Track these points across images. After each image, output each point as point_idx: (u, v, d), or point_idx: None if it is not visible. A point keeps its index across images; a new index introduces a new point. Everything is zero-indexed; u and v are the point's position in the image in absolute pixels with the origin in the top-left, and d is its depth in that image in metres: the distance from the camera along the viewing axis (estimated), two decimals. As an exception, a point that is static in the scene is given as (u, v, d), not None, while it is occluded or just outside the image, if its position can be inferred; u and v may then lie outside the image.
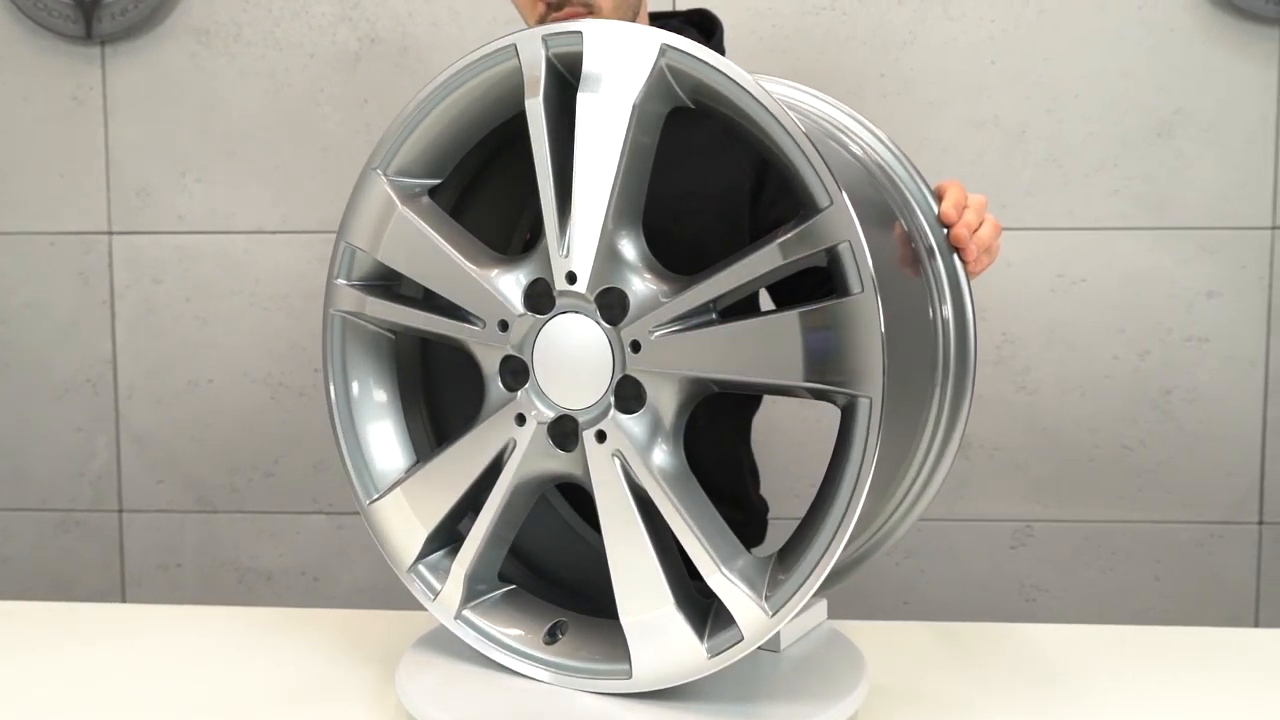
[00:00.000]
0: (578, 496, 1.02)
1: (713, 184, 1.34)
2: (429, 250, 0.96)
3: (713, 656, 0.88)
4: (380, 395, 1.06)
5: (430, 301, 1.01)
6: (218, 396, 2.04)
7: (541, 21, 1.24)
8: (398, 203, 0.98)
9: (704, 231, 1.32)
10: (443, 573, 1.01)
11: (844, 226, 0.80)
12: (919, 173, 1.04)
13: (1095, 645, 1.12)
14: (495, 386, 0.96)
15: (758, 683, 0.96)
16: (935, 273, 0.97)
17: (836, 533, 0.82)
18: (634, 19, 1.30)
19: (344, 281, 1.02)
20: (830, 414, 0.86)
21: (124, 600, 2.08)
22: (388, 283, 1.04)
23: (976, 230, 1.01)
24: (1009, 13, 1.90)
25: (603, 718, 0.91)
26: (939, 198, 1.02)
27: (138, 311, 2.03)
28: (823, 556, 0.83)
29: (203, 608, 1.27)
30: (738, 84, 0.83)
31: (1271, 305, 1.92)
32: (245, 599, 2.06)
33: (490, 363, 0.96)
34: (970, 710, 0.98)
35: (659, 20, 1.39)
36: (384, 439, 1.05)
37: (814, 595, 1.05)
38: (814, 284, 1.22)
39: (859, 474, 0.81)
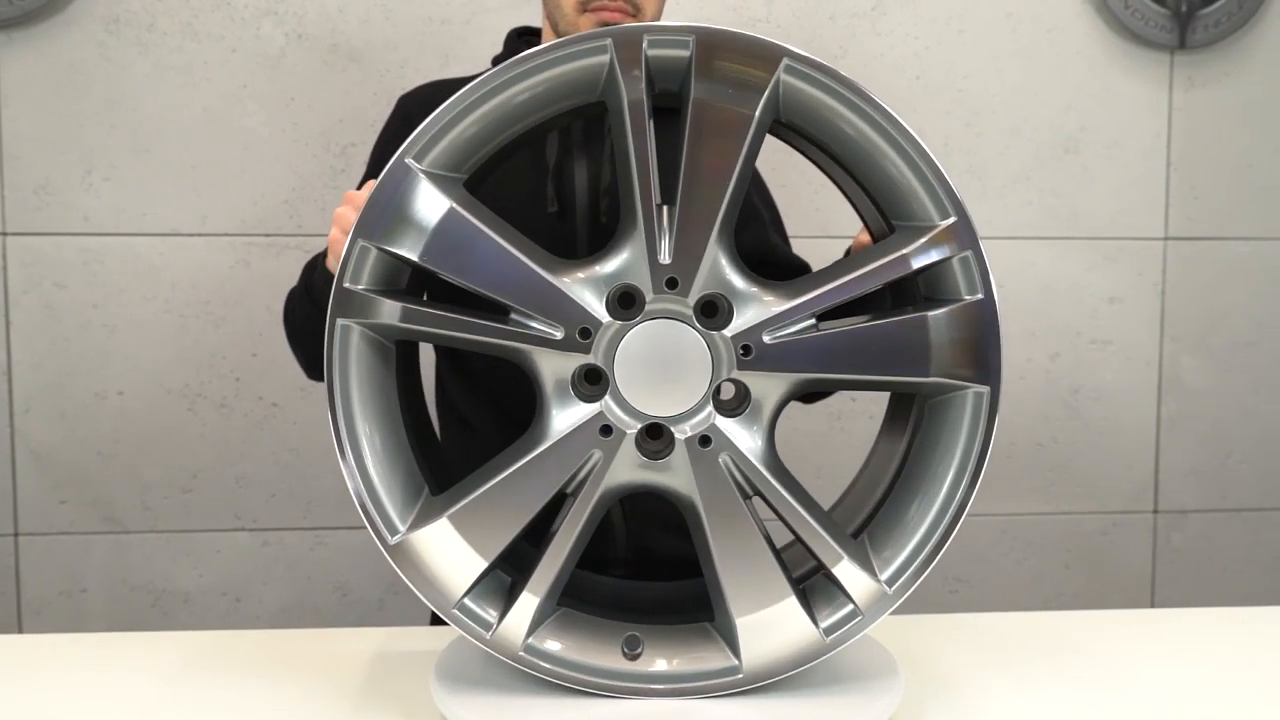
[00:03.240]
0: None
1: None
2: (491, 254, 0.88)
3: (830, 637, 0.91)
4: (391, 414, 0.94)
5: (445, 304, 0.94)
6: (128, 409, 1.91)
7: (583, 9, 1.20)
8: (450, 200, 0.89)
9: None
10: (491, 605, 0.93)
11: (968, 238, 0.90)
12: None
13: (1083, 628, 1.19)
14: (567, 398, 0.90)
15: (794, 682, 0.97)
16: None
17: (954, 508, 0.91)
18: (659, 19, 1.29)
19: (360, 288, 0.90)
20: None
21: (20, 631, 1.92)
22: (399, 288, 0.94)
23: None
24: (932, 31, 1.99)
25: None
26: None
27: (37, 319, 1.88)
28: (939, 530, 0.91)
29: (129, 634, 1.18)
30: (858, 101, 0.88)
31: (1165, 310, 2.08)
32: (160, 624, 1.94)
33: (560, 374, 0.89)
34: (992, 697, 1.03)
35: None
36: (400, 464, 0.93)
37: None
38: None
39: (978, 456, 0.91)
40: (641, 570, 1.26)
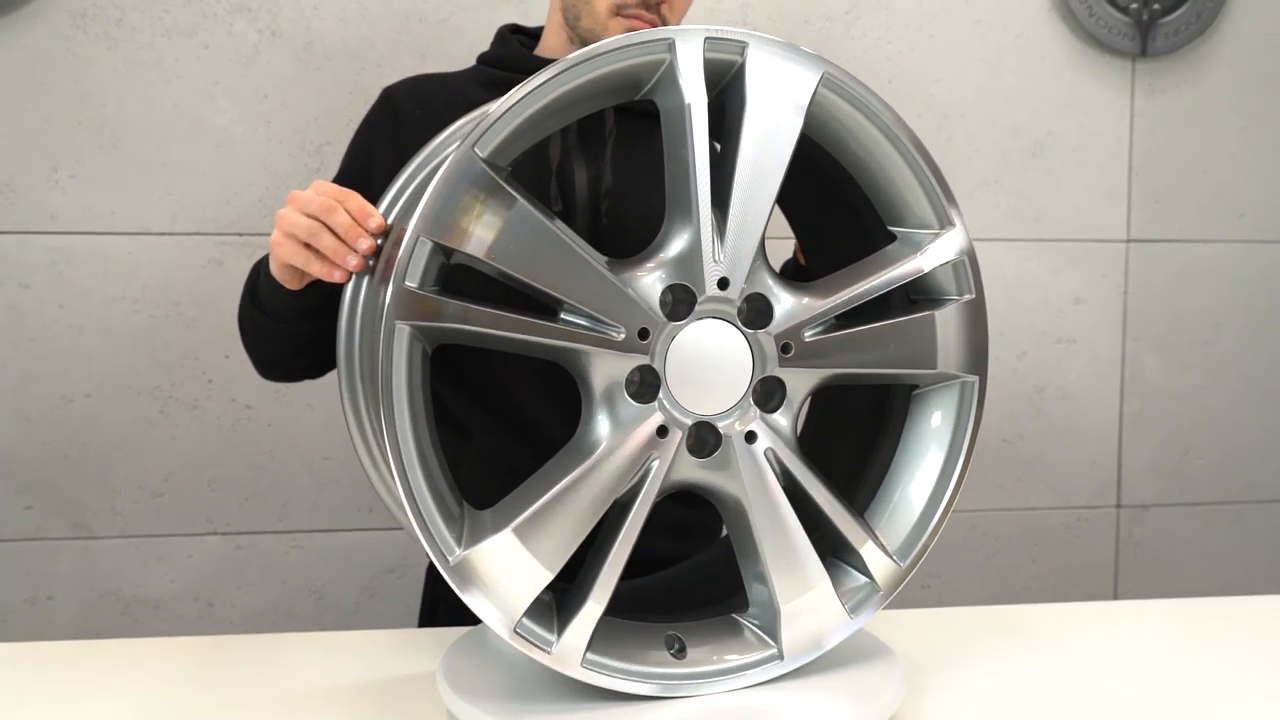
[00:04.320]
0: None
1: None
2: (559, 251, 0.85)
3: (854, 614, 0.96)
4: (429, 424, 0.89)
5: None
6: (96, 412, 1.87)
7: (616, 12, 1.21)
8: (517, 195, 0.85)
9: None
10: (543, 620, 0.90)
11: (965, 243, 0.97)
12: None
13: (1087, 620, 1.23)
14: (618, 400, 0.88)
15: (804, 671, 0.98)
16: None
17: (951, 485, 0.97)
18: None
19: (417, 287, 0.84)
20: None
21: (-17, 640, 1.87)
22: (440, 287, 0.91)
23: None
24: (904, 36, 2.03)
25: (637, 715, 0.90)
26: None
27: (0, 319, 1.83)
28: (939, 506, 0.97)
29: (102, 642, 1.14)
30: (879, 114, 0.93)
31: (1127, 310, 2.14)
32: (130, 631, 1.90)
33: (615, 375, 0.88)
34: (986, 686, 1.05)
35: None
36: (439, 477, 0.88)
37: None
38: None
39: (970, 437, 0.98)
40: (638, 572, 1.26)
